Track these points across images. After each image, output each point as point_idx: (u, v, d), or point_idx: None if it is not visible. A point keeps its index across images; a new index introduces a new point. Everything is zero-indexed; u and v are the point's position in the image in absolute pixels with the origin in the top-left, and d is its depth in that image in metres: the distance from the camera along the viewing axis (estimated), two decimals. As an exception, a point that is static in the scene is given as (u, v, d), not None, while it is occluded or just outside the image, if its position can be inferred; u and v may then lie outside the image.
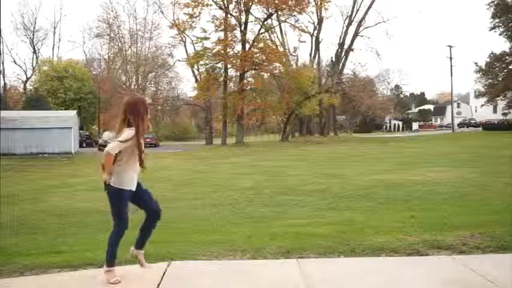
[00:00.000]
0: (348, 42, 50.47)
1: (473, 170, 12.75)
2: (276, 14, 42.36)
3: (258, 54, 40.60)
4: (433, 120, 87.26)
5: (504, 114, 57.42)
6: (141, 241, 3.75)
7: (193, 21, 40.90)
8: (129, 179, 3.51)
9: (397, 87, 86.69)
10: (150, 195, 3.71)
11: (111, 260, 3.51)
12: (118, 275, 3.50)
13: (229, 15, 40.21)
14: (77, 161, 26.11)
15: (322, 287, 3.42)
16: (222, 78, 41.97)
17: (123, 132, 3.41)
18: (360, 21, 49.64)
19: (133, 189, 3.55)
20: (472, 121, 68.30)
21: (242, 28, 40.13)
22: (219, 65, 41.78)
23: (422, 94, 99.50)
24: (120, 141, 3.35)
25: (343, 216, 7.29)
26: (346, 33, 50.53)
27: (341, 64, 51.03)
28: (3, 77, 57.53)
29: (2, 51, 56.24)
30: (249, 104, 43.46)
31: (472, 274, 3.55)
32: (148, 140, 44.48)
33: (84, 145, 39.66)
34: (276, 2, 39.26)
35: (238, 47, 41.20)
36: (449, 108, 66.85)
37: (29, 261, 4.26)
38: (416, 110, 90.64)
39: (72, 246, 5.38)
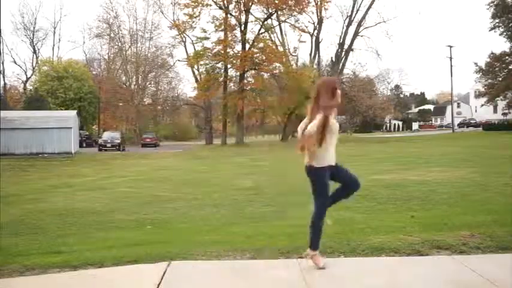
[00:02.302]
0: (348, 42, 50.41)
1: (473, 170, 12.72)
2: (276, 14, 42.34)
3: (258, 54, 40.59)
4: (433, 120, 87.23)
5: (504, 114, 57.40)
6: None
7: (193, 22, 40.93)
8: (331, 156, 3.69)
9: (397, 87, 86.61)
10: (347, 170, 3.84)
11: (317, 244, 3.68)
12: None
13: (229, 15, 40.21)
14: (77, 161, 26.10)
15: (322, 287, 3.42)
16: (222, 78, 41.95)
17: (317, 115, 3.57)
18: (360, 21, 49.58)
19: (333, 163, 3.72)
20: (472, 121, 68.31)
21: (242, 28, 40.12)
22: (219, 65, 41.79)
23: (422, 94, 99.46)
24: (318, 122, 3.51)
25: (343, 216, 7.28)
26: (346, 33, 50.47)
27: (341, 64, 50.97)
28: (3, 77, 57.60)
29: (2, 51, 56.28)
30: (249, 104, 43.44)
31: (472, 274, 3.55)
32: (148, 140, 44.63)
33: (84, 145, 39.63)
34: (276, 2, 39.25)
35: (238, 47, 41.26)
36: (449, 108, 66.84)
37: (29, 261, 4.26)
38: (416, 110, 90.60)
39: (72, 246, 5.38)
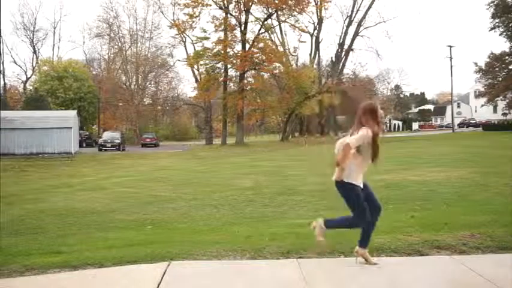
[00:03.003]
0: (348, 42, 50.48)
1: (473, 170, 12.72)
2: (276, 14, 42.37)
3: (258, 54, 40.61)
4: (433, 120, 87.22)
5: (504, 114, 57.46)
6: (364, 239, 3.86)
7: (193, 21, 40.92)
8: (359, 177, 3.77)
9: (397, 87, 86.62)
10: (373, 192, 3.93)
11: (332, 226, 3.89)
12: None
13: (229, 15, 40.22)
14: (77, 161, 26.10)
15: (322, 287, 3.42)
16: (222, 78, 41.98)
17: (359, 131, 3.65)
18: (360, 21, 49.63)
19: (362, 186, 3.78)
20: (472, 121, 68.33)
21: (242, 28, 40.13)
22: (219, 65, 41.81)
23: (422, 94, 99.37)
24: (359, 137, 3.59)
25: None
26: (346, 33, 50.53)
27: (341, 64, 51.02)
28: (3, 77, 57.57)
29: (2, 51, 56.28)
30: (249, 104, 43.47)
31: (472, 274, 3.55)
32: (148, 140, 44.63)
33: (84, 145, 39.62)
34: (276, 2, 39.27)
35: (238, 47, 41.28)
36: (449, 108, 66.83)
37: (29, 261, 4.26)
38: (416, 110, 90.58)
39: (72, 246, 5.37)
